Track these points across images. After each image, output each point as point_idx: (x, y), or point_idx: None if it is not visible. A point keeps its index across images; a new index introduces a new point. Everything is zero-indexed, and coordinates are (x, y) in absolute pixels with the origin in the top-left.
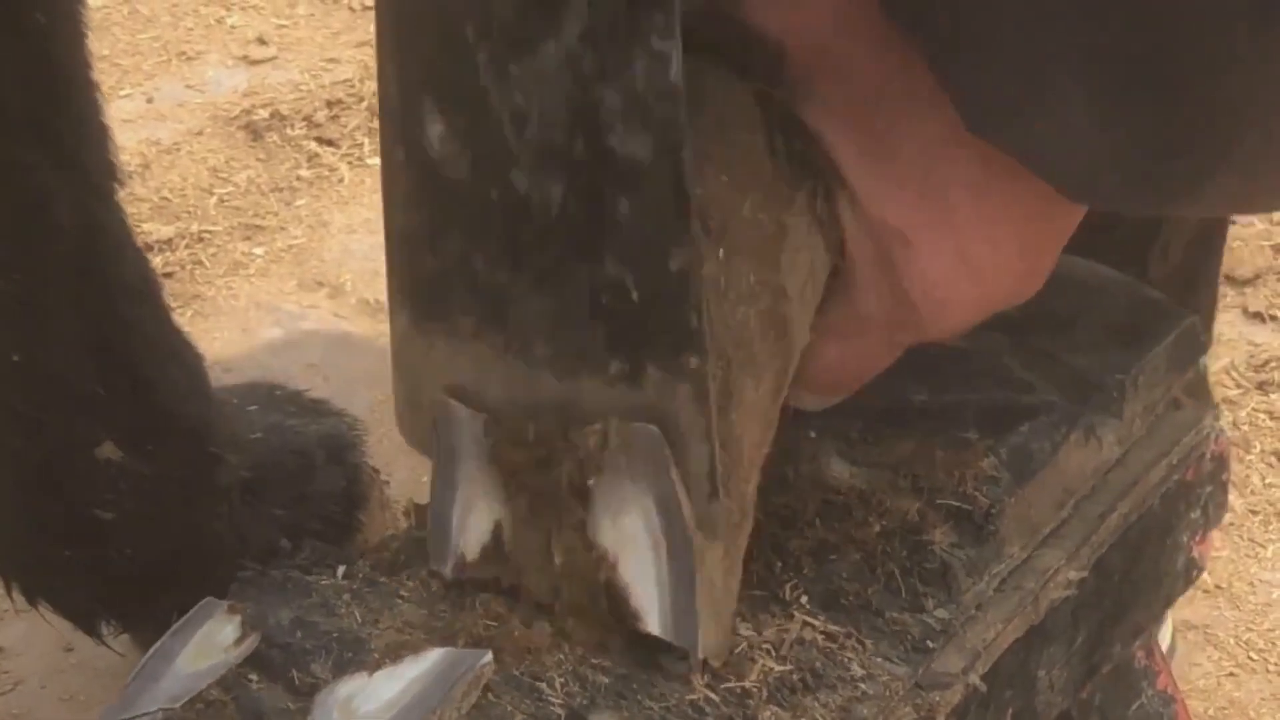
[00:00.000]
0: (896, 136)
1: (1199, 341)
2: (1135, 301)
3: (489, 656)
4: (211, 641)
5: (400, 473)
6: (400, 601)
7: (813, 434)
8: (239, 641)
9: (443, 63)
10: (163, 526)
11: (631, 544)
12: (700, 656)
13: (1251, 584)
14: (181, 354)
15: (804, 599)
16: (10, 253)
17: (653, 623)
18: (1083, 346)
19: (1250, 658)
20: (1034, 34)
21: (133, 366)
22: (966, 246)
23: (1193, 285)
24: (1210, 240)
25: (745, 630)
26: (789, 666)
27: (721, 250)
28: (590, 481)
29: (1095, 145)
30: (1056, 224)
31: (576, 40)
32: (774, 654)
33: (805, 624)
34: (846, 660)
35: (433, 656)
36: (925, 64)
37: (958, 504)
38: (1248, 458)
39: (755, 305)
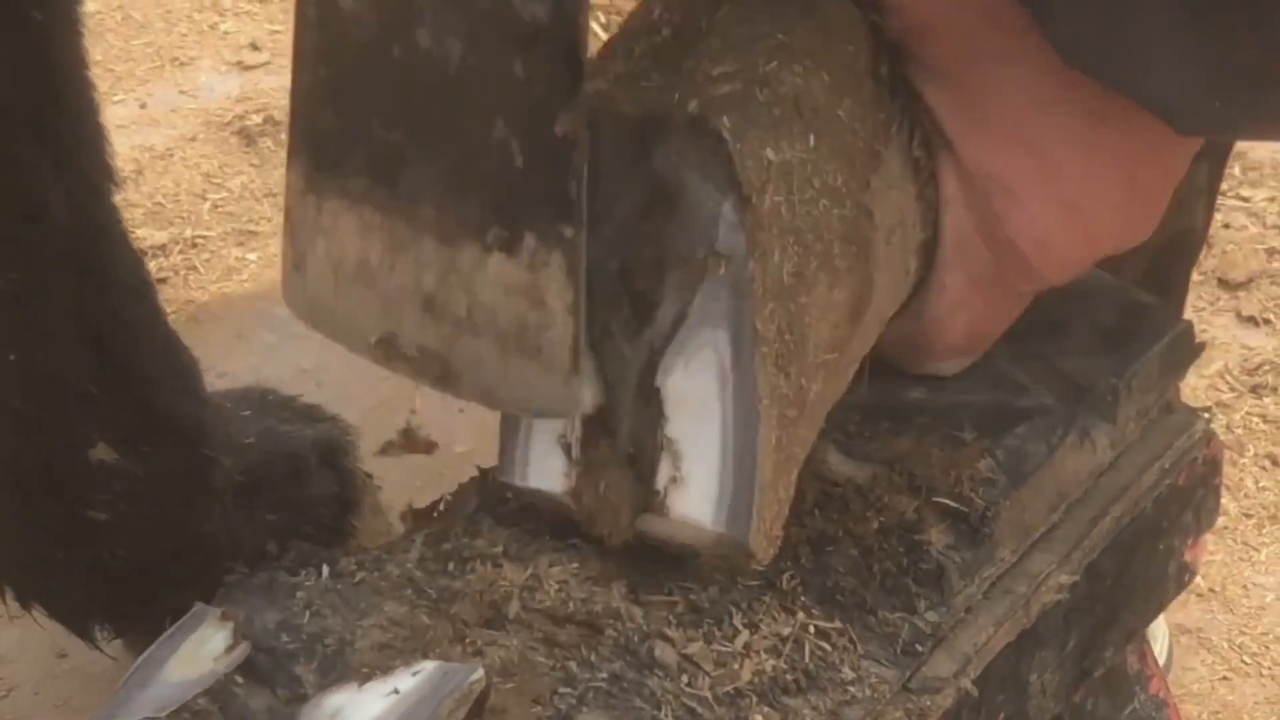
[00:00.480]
0: (994, 91)
1: (1192, 346)
2: (1128, 306)
3: (479, 672)
4: (201, 650)
5: (393, 477)
6: (383, 599)
7: None
8: (229, 650)
9: None
10: (156, 528)
11: (696, 402)
12: (752, 551)
13: (1245, 588)
14: (176, 356)
15: (800, 591)
16: (6, 250)
17: (695, 500)
18: (1076, 350)
19: (1244, 661)
20: None
21: (128, 367)
22: (1070, 193)
23: (1166, 286)
24: (1185, 241)
25: (740, 623)
26: (782, 665)
27: (812, 137)
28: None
29: (1193, 72)
30: (1165, 165)
31: None
32: (768, 652)
33: (801, 622)
34: (838, 661)
35: (423, 670)
36: (1018, 8)
37: (954, 505)
38: (1241, 461)
39: (839, 207)
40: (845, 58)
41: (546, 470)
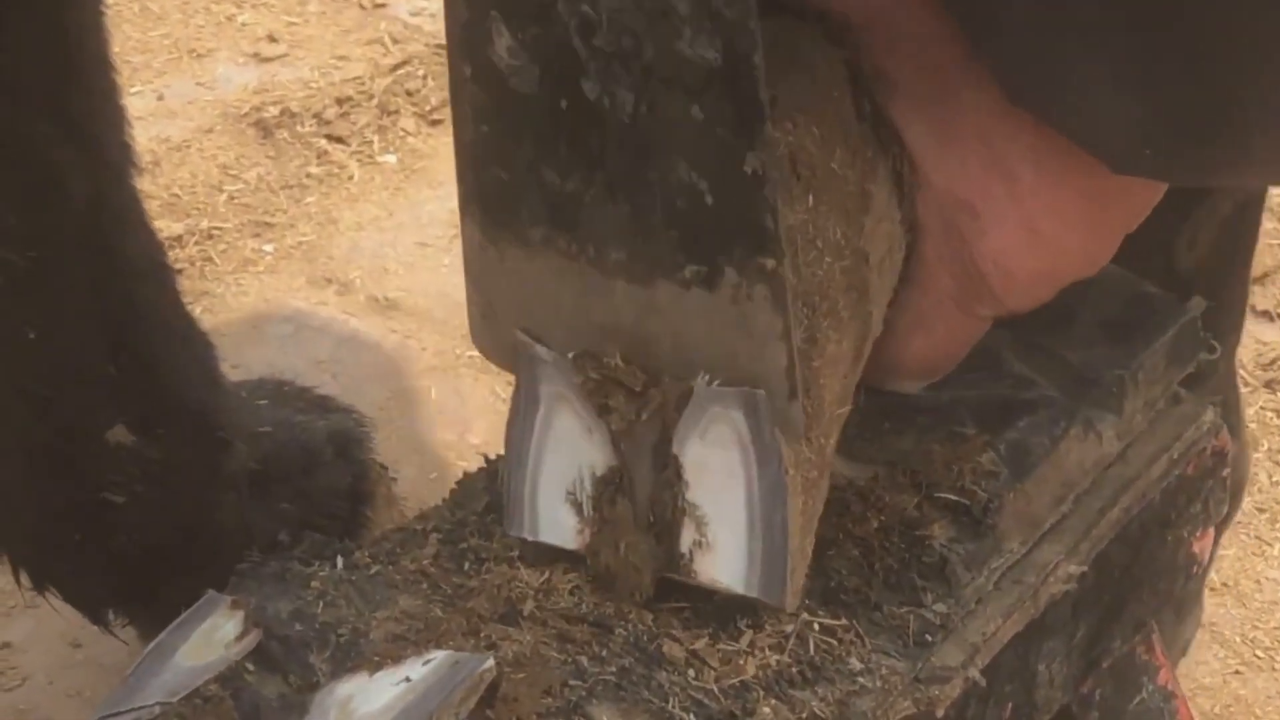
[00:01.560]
0: (957, 108)
1: (1199, 337)
2: (1134, 297)
3: (490, 662)
4: (213, 637)
5: (408, 469)
6: (398, 592)
7: None
8: (240, 637)
9: None
10: (171, 512)
11: (716, 470)
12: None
13: (1258, 581)
14: (193, 339)
15: (804, 594)
16: (24, 226)
17: (723, 565)
18: (1081, 342)
19: (1256, 655)
20: (1069, 6)
21: (144, 348)
22: (1034, 216)
23: (1221, 277)
24: (1239, 230)
25: (745, 624)
26: (788, 660)
27: (811, 198)
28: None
29: (1127, 115)
30: (1134, 199)
31: None
32: (773, 648)
33: (804, 620)
34: (845, 654)
35: (434, 659)
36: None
37: (956, 499)
38: (1255, 456)
39: (840, 261)
40: (832, 104)
41: (557, 525)
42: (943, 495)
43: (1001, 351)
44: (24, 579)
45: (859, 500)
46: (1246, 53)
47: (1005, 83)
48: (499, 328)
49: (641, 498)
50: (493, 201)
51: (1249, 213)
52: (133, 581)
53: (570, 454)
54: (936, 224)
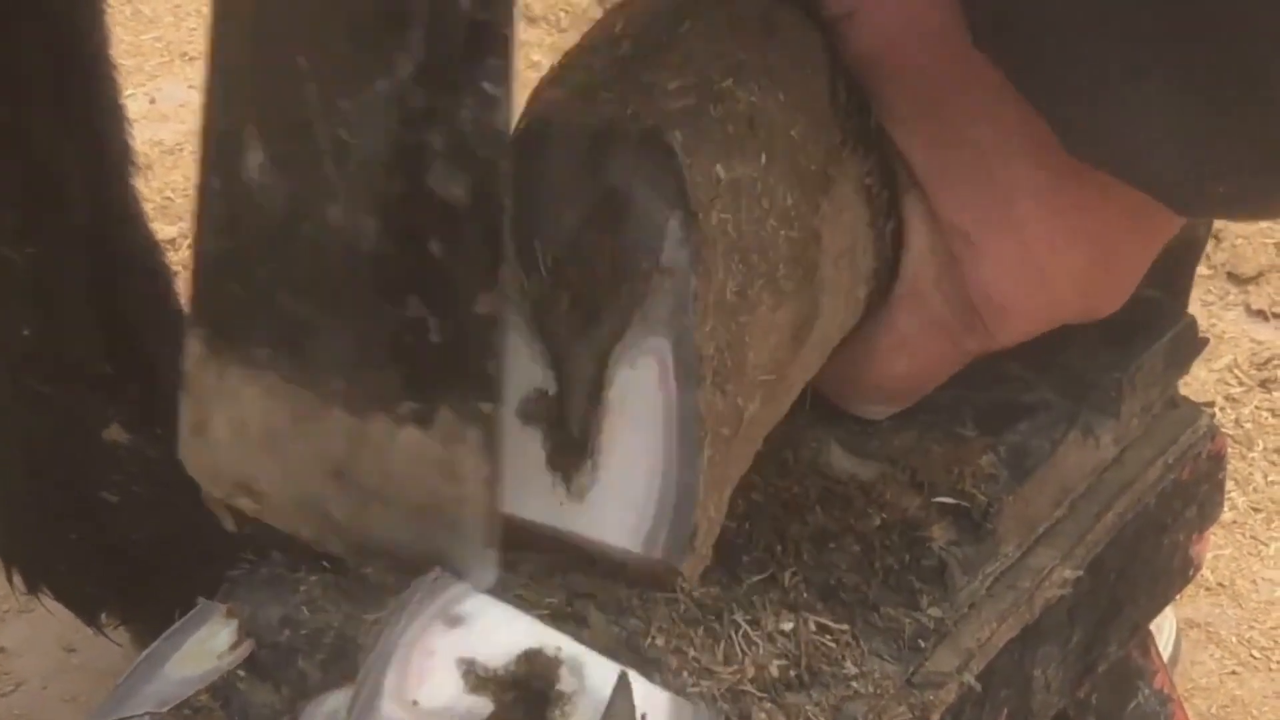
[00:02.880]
0: (962, 137)
1: (1196, 340)
2: (1131, 300)
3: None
4: (206, 646)
5: None
6: (386, 594)
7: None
8: (233, 647)
9: (270, 90)
10: (167, 511)
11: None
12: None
13: (1254, 581)
14: None
15: (803, 588)
16: (23, 223)
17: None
18: (1080, 345)
19: (1253, 655)
20: (1123, 51)
21: (141, 346)
22: (1029, 250)
23: (1171, 281)
24: (1191, 235)
25: (742, 619)
26: (785, 662)
27: (764, 156)
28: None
29: (1196, 158)
30: (1144, 237)
31: (409, 79)
32: (770, 649)
33: (803, 619)
34: (840, 657)
35: None
36: (1011, 86)
37: (956, 501)
38: (1250, 455)
39: (787, 228)
40: (802, 78)
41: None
42: (943, 496)
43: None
44: (18, 581)
45: (861, 495)
46: None
47: (1064, 132)
48: (210, 448)
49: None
50: (222, 317)
51: (1190, 232)
52: (127, 581)
53: None
54: (933, 246)
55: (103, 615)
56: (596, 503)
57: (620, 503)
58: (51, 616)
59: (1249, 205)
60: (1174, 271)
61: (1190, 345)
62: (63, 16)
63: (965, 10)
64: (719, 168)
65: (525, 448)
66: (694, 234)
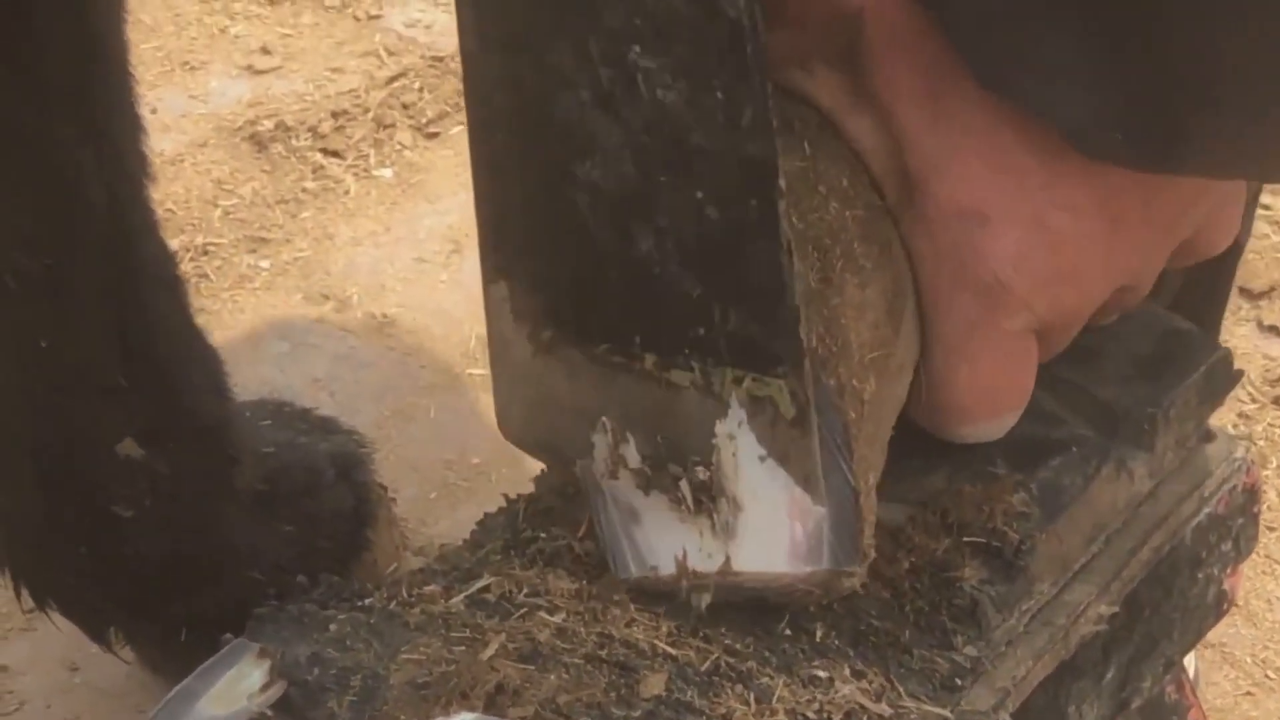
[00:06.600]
0: (962, 105)
1: (1231, 373)
2: (1165, 332)
3: None
4: (237, 686)
5: (407, 489)
6: (417, 634)
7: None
8: (265, 688)
9: None
10: (178, 527)
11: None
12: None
13: (1269, 601)
14: (203, 353)
15: (834, 636)
16: (42, 232)
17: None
18: (1112, 379)
19: (1268, 676)
20: None
21: (155, 359)
22: (1044, 212)
23: (1204, 300)
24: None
25: (774, 667)
26: (819, 705)
27: (807, 145)
28: None
29: (1095, 98)
30: (1153, 206)
31: None
32: (803, 694)
33: (836, 665)
34: (875, 700)
35: None
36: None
37: (987, 540)
38: (1264, 473)
39: (851, 209)
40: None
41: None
42: (974, 537)
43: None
44: (25, 596)
45: (889, 540)
46: (1215, 34)
47: (974, 65)
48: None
49: None
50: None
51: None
52: (136, 597)
53: None
54: (945, 244)
55: (110, 631)
56: (748, 536)
57: (773, 528)
58: (55, 635)
59: (1150, 155)
60: (1206, 302)
61: (1225, 378)
62: (86, 23)
63: None
64: None
65: (654, 508)
66: None
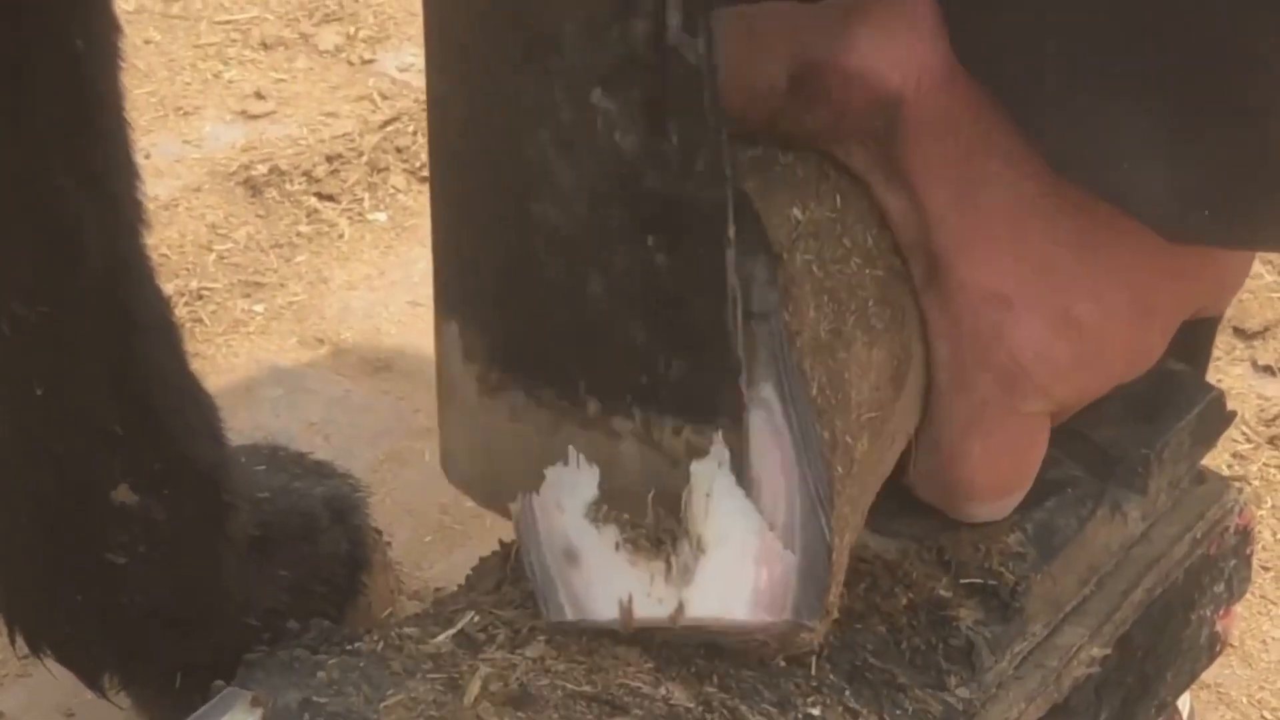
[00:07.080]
0: (991, 191)
1: (1224, 414)
2: (1159, 374)
3: None
4: None
5: (401, 533)
6: (406, 678)
7: None
8: None
9: None
10: (173, 574)
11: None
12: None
13: (1264, 642)
14: (199, 400)
15: (829, 669)
16: (38, 280)
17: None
18: (1106, 420)
19: (1264, 716)
20: (1095, 65)
21: (151, 406)
22: (1070, 304)
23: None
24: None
25: (769, 702)
26: None
27: (838, 197)
28: None
29: (1177, 179)
30: (1180, 281)
31: None
32: None
33: (829, 702)
34: None
35: None
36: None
37: (984, 580)
38: (1260, 513)
39: (872, 268)
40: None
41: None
42: (970, 576)
43: None
44: (20, 643)
45: (887, 575)
46: None
47: (1050, 154)
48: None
49: None
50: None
51: None
52: (131, 643)
53: None
54: (967, 324)
55: (105, 678)
56: (708, 580)
57: (737, 573)
58: (50, 681)
59: (1236, 231)
60: (1195, 343)
61: (1219, 419)
62: (82, 72)
63: (951, 35)
64: (795, 210)
65: (596, 549)
66: (780, 275)
